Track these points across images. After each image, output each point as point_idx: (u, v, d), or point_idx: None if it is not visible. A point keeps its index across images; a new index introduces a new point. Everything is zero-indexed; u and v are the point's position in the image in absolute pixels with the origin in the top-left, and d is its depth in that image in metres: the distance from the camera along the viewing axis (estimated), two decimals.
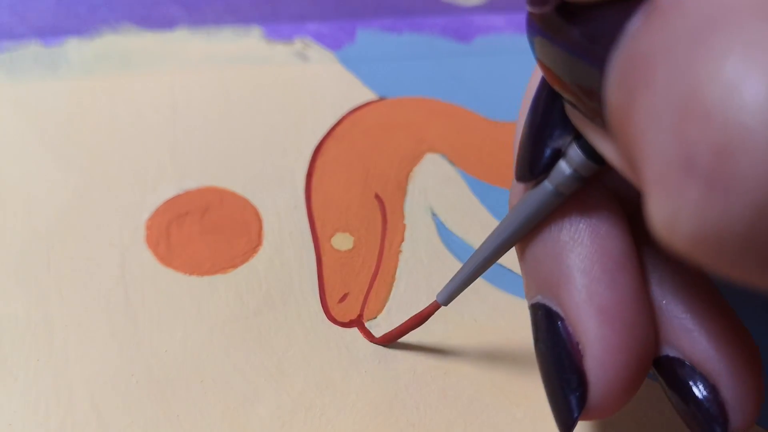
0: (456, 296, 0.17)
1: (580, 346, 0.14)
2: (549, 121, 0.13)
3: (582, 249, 0.14)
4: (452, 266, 0.22)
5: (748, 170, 0.08)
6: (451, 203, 0.23)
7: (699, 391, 0.14)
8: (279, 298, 0.20)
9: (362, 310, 0.20)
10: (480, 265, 0.16)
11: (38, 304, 0.20)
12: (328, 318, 0.20)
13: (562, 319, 0.14)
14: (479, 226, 0.23)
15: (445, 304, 0.17)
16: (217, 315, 0.20)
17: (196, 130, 0.24)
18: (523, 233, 0.15)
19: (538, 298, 0.15)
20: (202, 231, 0.22)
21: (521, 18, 0.24)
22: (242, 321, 0.20)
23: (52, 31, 0.27)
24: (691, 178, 0.08)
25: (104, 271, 0.21)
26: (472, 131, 0.25)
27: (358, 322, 0.20)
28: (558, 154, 0.13)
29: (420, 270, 0.21)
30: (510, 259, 0.17)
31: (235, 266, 0.21)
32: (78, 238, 0.21)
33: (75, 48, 0.26)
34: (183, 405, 0.18)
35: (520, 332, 0.20)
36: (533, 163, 0.14)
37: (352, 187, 0.23)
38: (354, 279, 0.21)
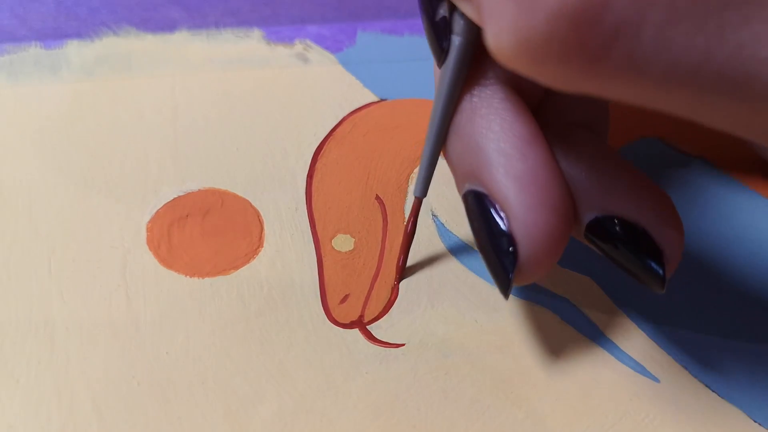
0: (429, 183, 0.19)
1: (504, 214, 0.16)
2: (436, 8, 0.17)
3: (494, 135, 0.16)
4: (452, 267, 0.22)
5: None
6: (451, 204, 0.23)
7: (626, 234, 0.16)
8: (280, 300, 0.21)
9: (363, 311, 0.21)
10: (436, 139, 0.18)
11: (39, 306, 0.20)
12: (329, 319, 0.20)
13: (486, 196, 0.16)
14: None
15: (423, 195, 0.19)
16: (218, 317, 0.20)
17: (197, 132, 0.24)
18: (458, 90, 0.17)
19: (467, 187, 0.17)
20: (204, 233, 0.22)
21: None
22: (243, 322, 0.20)
23: (52, 33, 0.27)
24: (507, 3, 0.12)
25: (105, 273, 0.21)
26: None
27: (359, 323, 0.20)
28: (449, 19, 0.16)
29: (420, 271, 0.21)
30: None
31: (236, 268, 0.21)
32: (79, 241, 0.21)
33: (75, 50, 0.26)
34: (184, 407, 0.18)
35: (521, 332, 0.20)
36: (438, 35, 0.17)
37: (353, 188, 0.23)
38: (355, 280, 0.21)
